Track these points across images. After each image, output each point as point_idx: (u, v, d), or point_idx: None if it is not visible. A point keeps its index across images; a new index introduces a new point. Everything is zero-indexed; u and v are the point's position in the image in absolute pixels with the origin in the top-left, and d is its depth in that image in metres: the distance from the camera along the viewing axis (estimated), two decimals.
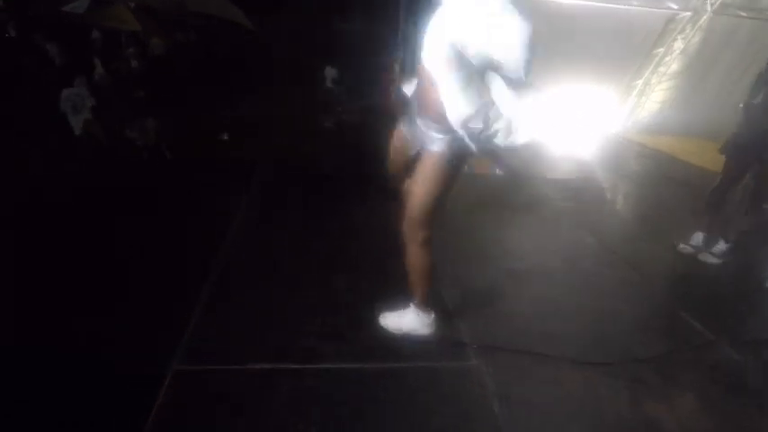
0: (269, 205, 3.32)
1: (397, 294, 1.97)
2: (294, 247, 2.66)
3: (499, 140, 1.51)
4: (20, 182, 3.26)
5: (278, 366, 1.70)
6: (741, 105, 2.77)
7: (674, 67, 7.10)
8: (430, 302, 1.91)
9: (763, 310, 2.56)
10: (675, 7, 6.55)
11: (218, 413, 1.52)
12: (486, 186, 3.94)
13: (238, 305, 2.09)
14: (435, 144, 1.61)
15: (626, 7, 6.35)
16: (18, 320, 1.88)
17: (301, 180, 3.87)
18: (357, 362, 1.77)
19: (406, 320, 1.92)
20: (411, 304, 1.90)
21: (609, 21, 6.24)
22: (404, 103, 1.83)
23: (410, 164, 1.77)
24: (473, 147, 1.52)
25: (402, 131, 1.81)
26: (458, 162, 1.65)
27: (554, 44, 5.46)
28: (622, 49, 6.69)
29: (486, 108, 1.46)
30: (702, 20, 6.54)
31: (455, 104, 1.45)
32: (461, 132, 1.49)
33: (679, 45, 6.85)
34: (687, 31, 6.68)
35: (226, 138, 4.99)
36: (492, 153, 4.20)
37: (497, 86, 1.43)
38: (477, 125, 1.47)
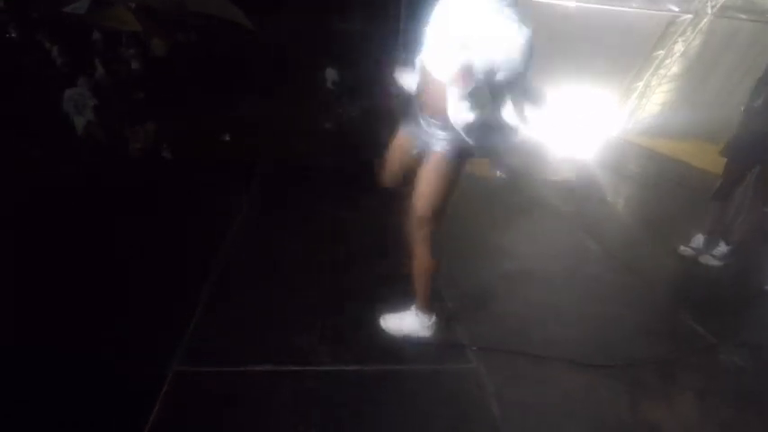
0: (269, 205, 3.32)
1: (397, 296, 1.97)
2: (294, 247, 2.66)
3: (498, 139, 1.52)
4: (20, 181, 3.26)
5: (278, 368, 1.70)
6: (742, 108, 2.77)
7: (675, 69, 7.12)
8: (432, 305, 1.90)
9: (764, 312, 2.56)
10: (676, 10, 6.56)
11: (218, 415, 1.52)
12: (486, 188, 3.94)
13: (238, 305, 2.09)
14: (439, 143, 1.61)
15: (626, 9, 6.36)
16: (18, 320, 1.88)
17: (302, 180, 3.87)
18: (357, 364, 1.77)
19: (406, 322, 1.91)
20: (412, 306, 1.90)
21: (609, 23, 6.25)
22: (405, 104, 1.83)
23: (412, 166, 1.76)
24: (472, 141, 1.52)
25: (403, 134, 1.81)
26: (462, 160, 1.65)
27: (555, 46, 5.47)
28: (623, 51, 6.70)
29: (486, 111, 1.47)
30: (703, 22, 6.55)
31: (457, 108, 1.45)
32: (462, 130, 1.49)
33: (679, 47, 6.86)
34: (688, 33, 6.70)
35: (227, 138, 4.99)
36: (492, 153, 4.22)
37: (499, 91, 1.43)
38: (477, 125, 1.47)
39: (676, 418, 1.72)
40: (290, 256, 2.56)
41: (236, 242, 2.67)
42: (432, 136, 1.62)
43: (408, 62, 1.74)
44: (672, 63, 7.06)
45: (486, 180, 4.24)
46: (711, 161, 3.49)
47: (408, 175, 1.82)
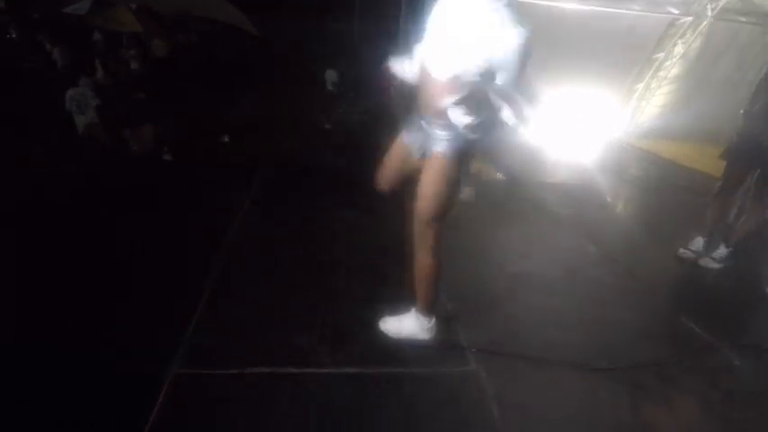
0: (270, 204, 3.32)
1: (397, 298, 1.97)
2: (295, 246, 2.67)
3: (497, 139, 1.52)
4: (21, 179, 3.27)
5: (277, 371, 1.70)
6: (741, 112, 2.77)
7: (675, 71, 7.13)
8: (433, 308, 1.90)
9: (764, 315, 2.56)
10: (676, 12, 6.57)
11: (218, 417, 1.51)
12: (486, 191, 3.93)
13: (240, 302, 2.09)
14: (441, 144, 1.60)
15: (627, 12, 6.37)
16: (19, 319, 1.88)
17: (302, 180, 3.87)
18: (357, 366, 1.77)
19: (405, 325, 1.91)
20: (412, 309, 1.89)
21: (610, 25, 6.26)
22: (405, 106, 1.82)
23: (412, 170, 1.76)
24: (473, 138, 1.52)
25: (402, 137, 1.80)
26: (464, 161, 1.64)
27: (555, 48, 5.47)
28: (623, 53, 6.71)
29: (483, 112, 1.47)
30: (703, 25, 6.56)
31: (453, 112, 1.46)
32: (462, 129, 1.49)
33: (679, 50, 6.87)
34: (688, 35, 6.71)
35: (226, 139, 4.99)
36: (493, 155, 4.21)
37: (497, 92, 1.43)
38: (475, 126, 1.48)
39: (677, 420, 1.73)
40: (290, 255, 2.56)
41: (237, 239, 2.67)
42: (432, 136, 1.62)
43: (405, 54, 1.73)
44: (672, 65, 7.07)
45: (487, 182, 4.24)
46: (711, 164, 3.49)
47: (408, 179, 1.82)
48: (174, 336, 1.81)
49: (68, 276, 2.16)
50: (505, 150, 4.83)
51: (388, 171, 1.88)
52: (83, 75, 5.25)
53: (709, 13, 6.43)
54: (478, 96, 1.44)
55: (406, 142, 1.76)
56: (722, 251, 2.92)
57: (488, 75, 1.39)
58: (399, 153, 1.81)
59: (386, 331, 1.93)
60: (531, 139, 5.57)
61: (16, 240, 2.46)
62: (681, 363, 1.99)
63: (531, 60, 1.39)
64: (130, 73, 7.97)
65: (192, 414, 1.52)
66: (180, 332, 1.83)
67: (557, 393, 1.76)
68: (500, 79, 1.40)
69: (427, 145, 1.65)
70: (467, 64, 1.40)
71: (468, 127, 1.49)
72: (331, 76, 9.27)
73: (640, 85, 7.38)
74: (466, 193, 1.84)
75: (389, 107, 6.60)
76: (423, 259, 1.76)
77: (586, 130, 6.82)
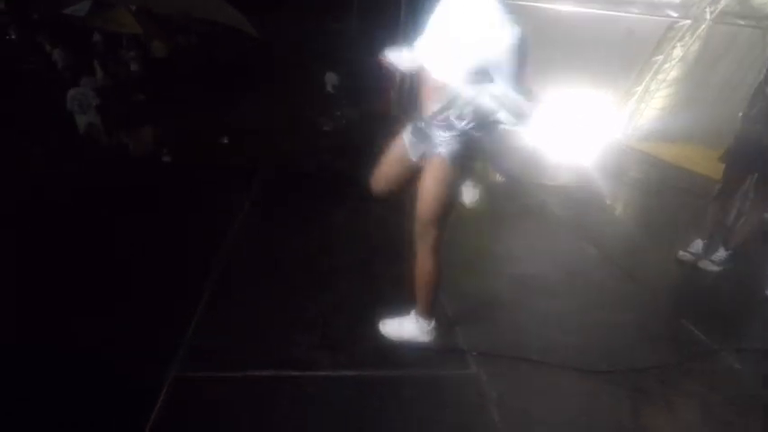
0: (269, 206, 3.32)
1: (397, 299, 1.96)
2: (295, 248, 2.66)
3: (494, 139, 1.52)
4: (21, 180, 3.27)
5: (277, 374, 1.69)
6: (740, 115, 2.78)
7: (674, 74, 7.15)
8: (433, 311, 1.89)
9: (764, 318, 2.56)
10: (675, 15, 6.59)
11: (217, 420, 1.51)
12: (486, 193, 3.93)
13: (240, 303, 2.09)
14: (441, 145, 1.60)
15: (626, 15, 6.39)
16: (19, 319, 1.88)
17: (302, 182, 3.87)
18: (356, 369, 1.76)
19: (405, 328, 1.91)
20: (412, 311, 1.89)
21: (609, 28, 6.28)
22: (404, 107, 1.82)
23: (411, 171, 1.76)
24: (473, 139, 1.52)
25: (403, 138, 1.79)
26: (464, 162, 1.63)
27: (554, 51, 5.49)
28: (622, 56, 6.72)
29: (483, 113, 1.47)
30: (702, 28, 6.58)
31: (455, 110, 1.46)
32: (461, 130, 1.50)
33: (678, 52, 6.89)
34: (686, 38, 6.73)
35: (226, 141, 4.99)
36: (492, 157, 4.21)
37: (496, 93, 1.44)
38: (475, 126, 1.48)
39: (677, 423, 1.72)
40: (290, 256, 2.56)
41: (237, 241, 2.67)
42: (432, 138, 1.61)
43: (403, 46, 1.73)
44: (671, 68, 7.09)
45: (486, 184, 4.24)
46: (711, 166, 3.50)
47: (407, 180, 1.81)
48: (173, 337, 1.80)
49: (68, 278, 2.16)
50: (505, 152, 4.84)
51: (386, 171, 1.86)
52: (84, 75, 5.26)
53: (708, 17, 6.45)
54: (477, 97, 1.44)
55: (405, 143, 1.76)
56: (721, 254, 2.92)
57: (486, 75, 1.40)
58: (398, 154, 1.80)
59: (386, 334, 1.93)
60: (531, 141, 5.58)
61: (16, 241, 2.45)
62: (681, 366, 1.98)
63: (528, 60, 1.39)
64: (130, 74, 7.97)
65: (192, 416, 1.52)
66: (180, 334, 1.83)
67: (557, 396, 1.76)
68: (498, 79, 1.40)
69: (427, 146, 1.64)
70: (465, 64, 1.40)
71: (468, 128, 1.49)
72: (331, 78, 9.27)
73: (639, 88, 7.39)
74: (470, 196, 1.82)
75: (389, 108, 6.61)
76: (423, 263, 1.75)
77: (586, 133, 6.84)
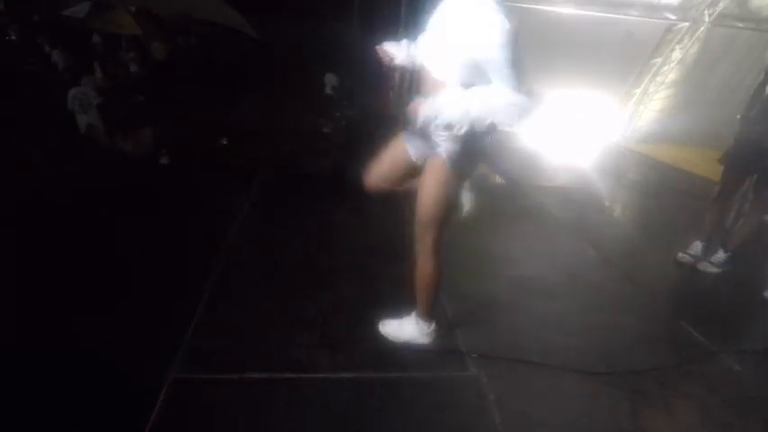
0: (269, 207, 3.32)
1: (397, 301, 1.96)
2: (295, 248, 2.66)
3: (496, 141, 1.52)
4: (21, 181, 3.26)
5: (276, 376, 1.69)
6: (738, 117, 2.79)
7: (672, 76, 7.18)
8: (434, 314, 1.89)
9: (763, 319, 2.56)
10: (674, 18, 6.62)
11: (216, 421, 1.50)
12: (485, 195, 3.93)
13: (239, 305, 2.09)
14: (441, 146, 1.59)
15: (625, 17, 6.41)
16: (19, 320, 1.88)
17: (301, 183, 3.87)
18: (355, 371, 1.76)
19: (405, 329, 1.90)
20: (412, 313, 1.89)
21: (608, 30, 6.30)
22: (404, 108, 1.82)
23: (409, 171, 1.75)
24: (473, 140, 1.52)
25: (402, 139, 1.79)
26: (465, 163, 1.62)
27: (554, 53, 5.50)
28: (621, 58, 6.75)
29: (481, 113, 1.47)
30: (700, 30, 6.60)
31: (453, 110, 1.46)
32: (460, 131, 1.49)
33: (677, 55, 6.92)
34: (685, 41, 6.75)
35: (225, 142, 4.99)
36: (492, 159, 4.22)
37: (493, 92, 1.43)
38: (473, 127, 1.48)
39: (677, 425, 1.72)
40: (290, 257, 2.56)
41: (236, 242, 2.67)
42: (432, 138, 1.61)
43: (401, 39, 1.73)
44: (669, 70, 7.11)
45: (485, 186, 4.24)
46: (710, 168, 3.51)
47: (403, 180, 1.81)
48: (173, 338, 1.80)
49: (68, 278, 2.16)
50: (504, 154, 4.85)
51: (383, 168, 1.84)
52: (85, 74, 5.26)
53: (707, 19, 6.48)
54: (473, 100, 1.44)
55: (405, 143, 1.75)
56: (720, 255, 2.92)
57: (482, 76, 1.40)
58: (397, 152, 1.78)
59: (386, 334, 1.93)
60: (530, 143, 5.59)
61: (16, 242, 2.45)
62: (680, 368, 1.99)
63: (522, 58, 1.37)
64: (129, 76, 7.97)
65: (191, 418, 1.51)
66: (179, 335, 1.83)
67: (557, 398, 1.76)
68: (495, 79, 1.40)
69: (427, 147, 1.64)
70: (460, 65, 1.40)
71: (466, 131, 1.48)
72: (330, 79, 9.27)
73: (638, 90, 7.42)
74: (466, 203, 1.82)
75: (388, 107, 6.62)
76: (423, 265, 1.75)
77: (585, 134, 6.85)
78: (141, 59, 8.61)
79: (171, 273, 2.28)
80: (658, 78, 7.22)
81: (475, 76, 1.42)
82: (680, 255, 3.03)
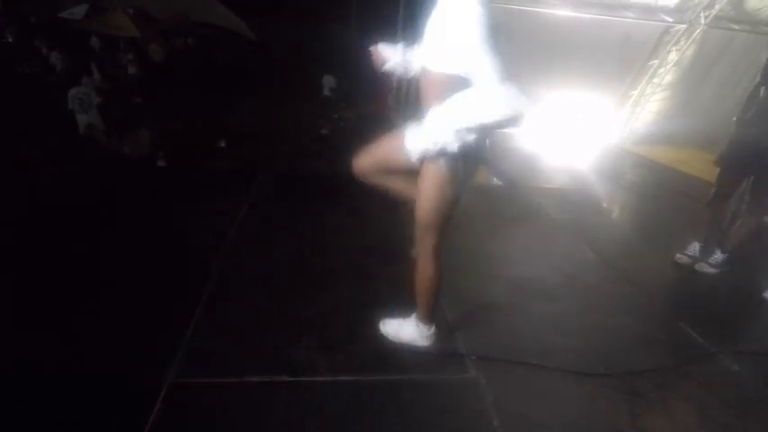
0: (268, 208, 3.31)
1: (397, 302, 1.96)
2: (294, 250, 2.66)
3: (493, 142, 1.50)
4: (20, 182, 3.25)
5: (275, 378, 1.69)
6: (734, 119, 2.80)
7: (669, 78, 7.22)
8: (434, 316, 1.88)
9: (761, 320, 2.57)
10: (670, 20, 6.65)
11: (215, 424, 1.50)
12: (483, 197, 3.94)
13: (238, 306, 2.08)
14: (439, 148, 1.58)
15: (622, 19, 6.44)
16: (18, 320, 1.87)
17: (300, 184, 3.87)
18: (354, 374, 1.76)
19: (405, 331, 1.90)
20: (412, 315, 1.89)
21: (605, 32, 6.33)
22: (401, 109, 1.81)
23: (404, 168, 1.74)
24: (471, 141, 1.52)
25: (402, 138, 1.77)
26: (464, 164, 1.60)
27: (551, 55, 5.53)
28: (618, 60, 6.78)
29: (478, 114, 1.46)
30: (696, 32, 6.65)
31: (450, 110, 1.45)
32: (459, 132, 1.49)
33: (673, 57, 6.95)
34: (681, 43, 6.79)
35: (222, 144, 4.99)
36: (489, 160, 4.22)
37: (489, 92, 1.42)
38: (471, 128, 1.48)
39: (675, 426, 1.72)
40: (289, 259, 2.55)
41: (236, 244, 2.66)
42: (431, 139, 1.60)
43: (398, 42, 1.72)
44: (666, 72, 7.15)
45: (483, 188, 4.25)
46: (706, 169, 3.52)
47: (393, 174, 1.79)
48: (172, 340, 1.80)
49: (66, 279, 2.15)
50: (502, 155, 4.86)
51: (377, 158, 1.80)
52: (84, 76, 5.25)
53: (703, 21, 6.52)
54: (471, 96, 1.43)
55: (404, 142, 1.74)
56: (718, 256, 2.93)
57: (466, 63, 1.38)
58: (395, 148, 1.71)
59: (385, 334, 1.93)
60: (528, 144, 5.60)
61: (15, 243, 2.44)
62: (678, 369, 1.99)
63: (503, 51, 1.36)
64: (127, 77, 7.97)
65: (190, 420, 1.51)
66: (178, 336, 1.82)
67: (556, 400, 1.76)
68: (475, 67, 1.36)
69: (425, 148, 1.63)
70: (456, 63, 1.40)
71: (464, 130, 1.48)
72: (329, 81, 9.29)
73: (635, 92, 7.46)
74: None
75: (385, 109, 6.63)
76: (424, 268, 1.74)
77: (582, 136, 6.88)
78: (139, 61, 8.60)
79: (170, 274, 2.27)
80: (655, 80, 7.26)
81: (460, 65, 1.39)
82: (678, 256, 3.04)
